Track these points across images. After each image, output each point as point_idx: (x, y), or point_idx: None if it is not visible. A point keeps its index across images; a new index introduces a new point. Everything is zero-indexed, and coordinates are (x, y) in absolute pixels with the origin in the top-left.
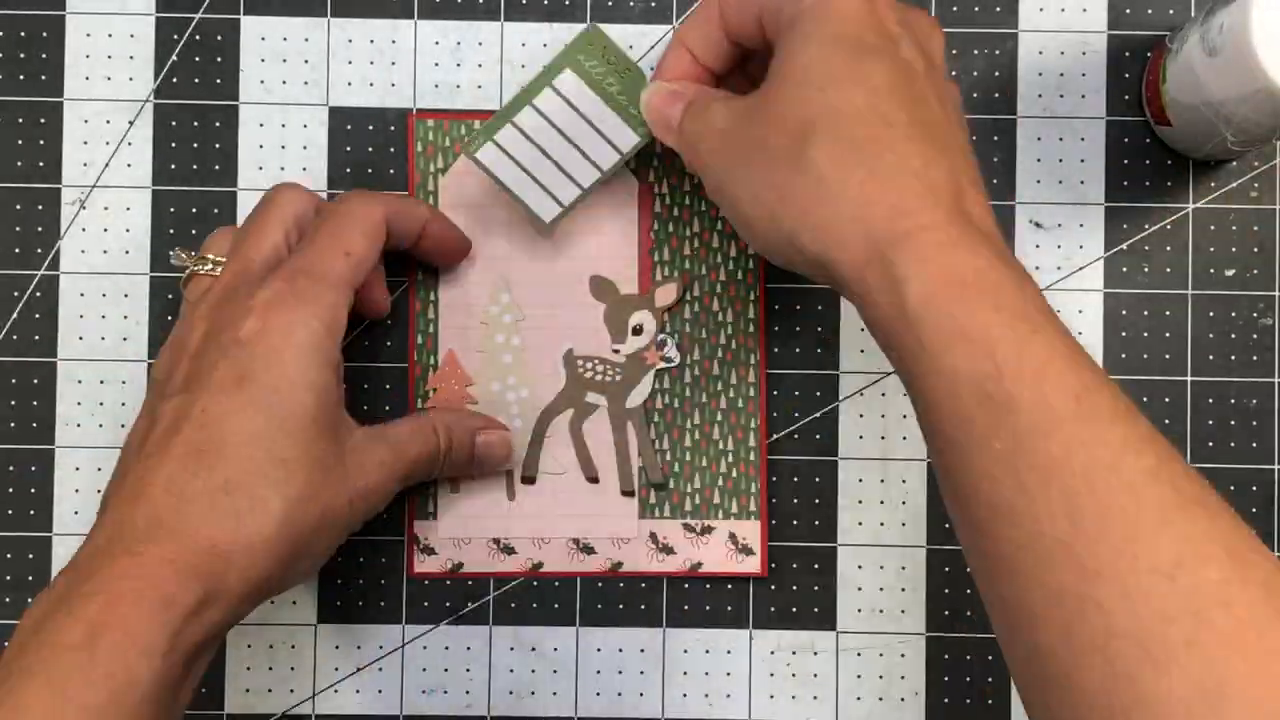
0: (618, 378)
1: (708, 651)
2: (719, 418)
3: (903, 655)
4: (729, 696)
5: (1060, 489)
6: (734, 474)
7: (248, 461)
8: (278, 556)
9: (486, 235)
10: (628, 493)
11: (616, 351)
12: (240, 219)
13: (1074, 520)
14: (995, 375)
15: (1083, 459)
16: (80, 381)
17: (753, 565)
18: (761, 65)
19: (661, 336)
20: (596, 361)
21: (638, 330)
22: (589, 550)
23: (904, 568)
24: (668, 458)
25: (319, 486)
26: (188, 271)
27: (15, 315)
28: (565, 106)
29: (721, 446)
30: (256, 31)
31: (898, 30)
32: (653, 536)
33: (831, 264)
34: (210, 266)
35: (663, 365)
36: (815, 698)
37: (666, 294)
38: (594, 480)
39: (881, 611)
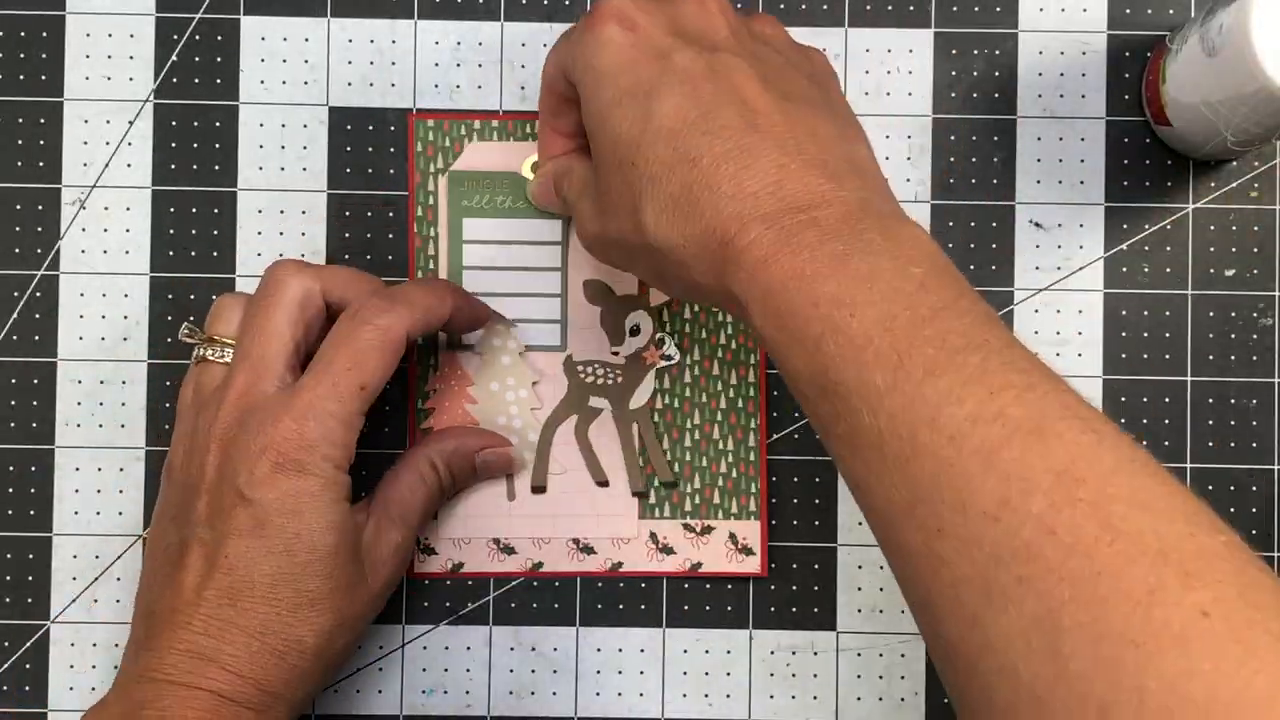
0: (619, 380)
1: (708, 651)
2: (719, 418)
3: (902, 655)
4: (729, 696)
5: (892, 459)
6: (734, 474)
7: (278, 603)
8: (316, 681)
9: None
10: (639, 494)
11: (616, 354)
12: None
13: (910, 485)
14: (823, 368)
15: (905, 424)
16: (80, 381)
17: (753, 565)
18: None
19: (660, 335)
20: (596, 365)
21: (635, 331)
22: (589, 550)
23: None
24: (668, 458)
25: (346, 610)
26: (196, 354)
27: (15, 315)
28: (489, 247)
29: (721, 446)
30: (256, 31)
31: (669, 40)
32: (653, 536)
33: (718, 307)
34: (219, 352)
35: (663, 364)
36: (815, 698)
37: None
38: (604, 484)
39: (881, 611)
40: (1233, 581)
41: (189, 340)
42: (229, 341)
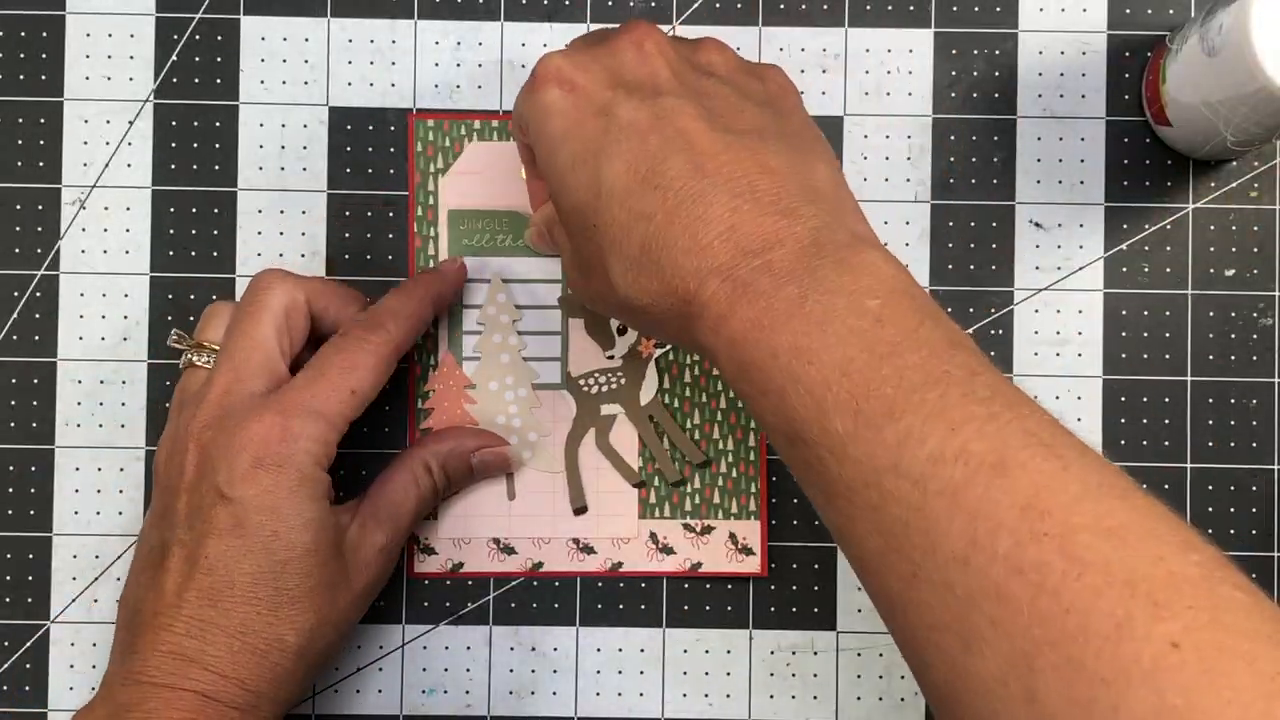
0: (623, 381)
1: (708, 651)
2: (719, 418)
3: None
4: (729, 696)
5: (862, 506)
6: (734, 474)
7: (258, 603)
8: (300, 680)
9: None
10: (676, 484)
11: (611, 357)
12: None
13: (882, 532)
14: (788, 418)
15: (871, 470)
16: (80, 381)
17: (753, 565)
18: None
19: None
20: (597, 374)
21: (623, 329)
22: (589, 550)
23: None
24: (668, 458)
25: (328, 609)
26: (184, 359)
27: (15, 315)
28: (490, 283)
29: (721, 446)
30: (256, 31)
31: (609, 94)
32: (653, 536)
33: (703, 357)
34: (206, 358)
35: (659, 351)
36: (815, 698)
37: None
38: (640, 486)
39: None
40: (1205, 606)
41: (177, 346)
42: (216, 347)
